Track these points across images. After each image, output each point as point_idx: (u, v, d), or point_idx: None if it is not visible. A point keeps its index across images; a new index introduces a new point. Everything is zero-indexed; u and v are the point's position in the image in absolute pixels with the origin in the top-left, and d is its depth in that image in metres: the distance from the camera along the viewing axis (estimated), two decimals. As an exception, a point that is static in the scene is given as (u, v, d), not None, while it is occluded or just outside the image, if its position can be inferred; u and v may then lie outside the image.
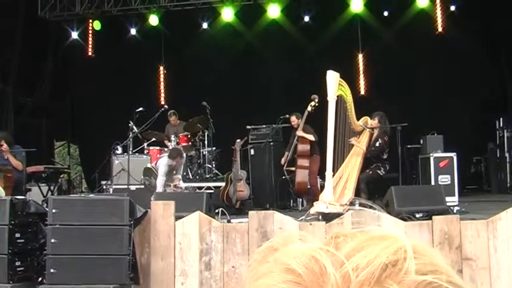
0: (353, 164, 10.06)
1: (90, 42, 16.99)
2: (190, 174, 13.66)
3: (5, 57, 15.52)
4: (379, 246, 0.60)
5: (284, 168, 11.67)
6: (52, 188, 11.97)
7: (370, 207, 8.44)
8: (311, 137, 11.10)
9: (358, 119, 10.25)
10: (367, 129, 10.43)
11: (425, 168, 11.35)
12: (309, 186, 11.21)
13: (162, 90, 16.56)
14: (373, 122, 10.48)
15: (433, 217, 6.71)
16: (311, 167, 11.11)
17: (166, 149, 12.47)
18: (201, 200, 8.37)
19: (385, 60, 15.08)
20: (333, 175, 8.87)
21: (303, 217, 8.06)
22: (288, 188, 11.98)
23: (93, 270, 6.68)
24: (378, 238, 0.61)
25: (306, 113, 11.07)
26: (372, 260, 0.58)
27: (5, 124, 14.65)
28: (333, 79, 8.69)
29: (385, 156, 10.44)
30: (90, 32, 16.94)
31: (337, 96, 8.82)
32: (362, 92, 15.51)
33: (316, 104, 10.70)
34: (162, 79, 17.17)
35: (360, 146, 10.24)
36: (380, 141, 10.34)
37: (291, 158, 11.47)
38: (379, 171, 10.28)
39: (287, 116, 12.07)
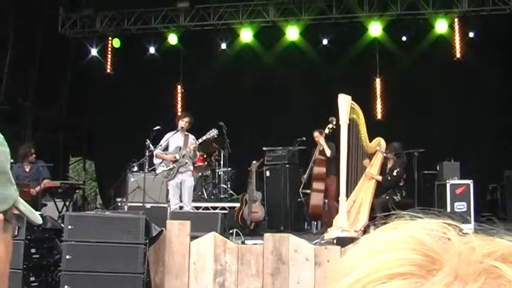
0: (366, 188, 10.04)
1: (109, 60, 17.10)
2: (205, 194, 13.68)
3: (24, 72, 15.66)
4: (505, 242, 0.63)
5: (300, 190, 11.65)
6: (67, 203, 12.02)
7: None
8: (327, 150, 11.01)
9: (370, 141, 10.25)
10: (380, 153, 10.40)
11: (441, 195, 11.30)
12: (326, 209, 11.15)
13: (180, 109, 16.60)
14: (389, 155, 10.46)
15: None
16: (328, 188, 11.03)
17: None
18: (216, 221, 8.36)
19: (403, 85, 15.07)
20: (346, 199, 8.86)
21: (318, 240, 8.04)
22: (302, 211, 11.94)
23: (107, 288, 6.69)
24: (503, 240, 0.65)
25: (323, 135, 11.07)
26: (499, 244, 0.62)
27: (23, 139, 14.73)
28: (345, 103, 8.71)
29: (401, 183, 10.41)
30: (110, 49, 17.05)
31: (350, 120, 8.83)
32: (379, 116, 15.48)
33: (334, 127, 10.69)
34: (179, 98, 17.24)
35: (375, 176, 10.21)
36: (398, 169, 10.31)
37: (307, 181, 11.44)
38: (395, 197, 10.25)
39: (304, 138, 12.09)
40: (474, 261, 0.60)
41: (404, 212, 0.70)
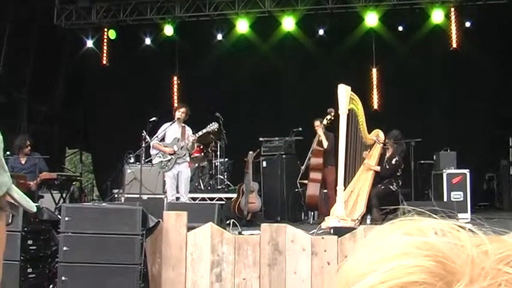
0: (364, 178, 10.05)
1: (105, 51, 17.04)
2: (202, 184, 13.69)
3: (20, 65, 15.62)
4: None
5: (298, 180, 11.66)
6: (64, 195, 12.02)
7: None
8: (324, 141, 11.01)
9: (369, 133, 10.25)
10: (378, 143, 10.42)
11: (438, 184, 11.32)
12: (324, 199, 11.15)
13: (176, 100, 16.58)
14: (388, 143, 10.47)
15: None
16: (327, 178, 11.03)
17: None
18: (213, 211, 8.36)
19: (399, 75, 15.05)
20: (344, 189, 8.88)
21: (315, 230, 8.05)
22: (299, 201, 11.96)
23: (104, 279, 6.70)
24: None
25: (322, 126, 11.08)
26: (510, 249, 0.60)
27: (18, 131, 14.71)
28: (344, 93, 8.71)
29: (399, 173, 10.42)
30: (105, 40, 17.00)
31: (349, 110, 8.84)
32: (375, 106, 15.46)
33: (332, 118, 10.68)
34: (175, 89, 17.21)
35: (374, 167, 10.23)
36: (397, 157, 10.32)
37: (304, 171, 11.46)
38: (391, 187, 10.25)
39: (300, 129, 12.11)
40: (489, 268, 0.58)
41: (409, 207, 0.69)
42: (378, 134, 10.53)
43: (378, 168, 10.28)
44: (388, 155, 10.51)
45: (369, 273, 0.61)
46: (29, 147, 11.71)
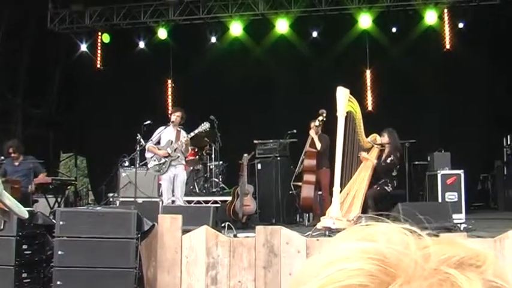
0: (361, 180, 10.04)
1: (98, 55, 17.05)
2: (196, 188, 13.68)
3: (14, 69, 15.60)
4: (466, 245, 0.64)
5: (291, 183, 11.66)
6: (59, 199, 12.01)
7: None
8: (317, 143, 11.02)
9: (366, 136, 10.24)
10: (376, 146, 10.41)
11: (432, 185, 11.34)
12: (319, 201, 11.16)
13: (170, 104, 16.58)
14: (383, 139, 10.45)
15: (440, 234, 6.67)
16: (321, 180, 11.05)
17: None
18: (208, 214, 8.36)
19: (393, 76, 15.06)
20: (341, 191, 8.88)
21: (310, 232, 8.05)
22: (294, 203, 11.95)
23: (99, 283, 6.68)
24: (464, 242, 0.65)
25: (315, 128, 11.07)
26: (456, 251, 0.62)
27: (13, 135, 14.70)
28: (343, 95, 8.73)
29: (394, 173, 10.41)
30: (99, 44, 17.00)
31: (347, 113, 8.85)
32: (369, 108, 15.46)
33: (324, 119, 10.70)
34: (169, 92, 17.20)
35: (369, 157, 10.22)
36: (392, 157, 10.31)
37: (298, 173, 11.45)
38: (386, 188, 10.24)
39: (294, 131, 12.10)
40: (429, 269, 0.60)
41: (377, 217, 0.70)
42: (376, 138, 10.52)
43: (375, 161, 10.25)
44: (384, 155, 10.51)
45: (313, 277, 0.63)
46: (12, 154, 11.61)
